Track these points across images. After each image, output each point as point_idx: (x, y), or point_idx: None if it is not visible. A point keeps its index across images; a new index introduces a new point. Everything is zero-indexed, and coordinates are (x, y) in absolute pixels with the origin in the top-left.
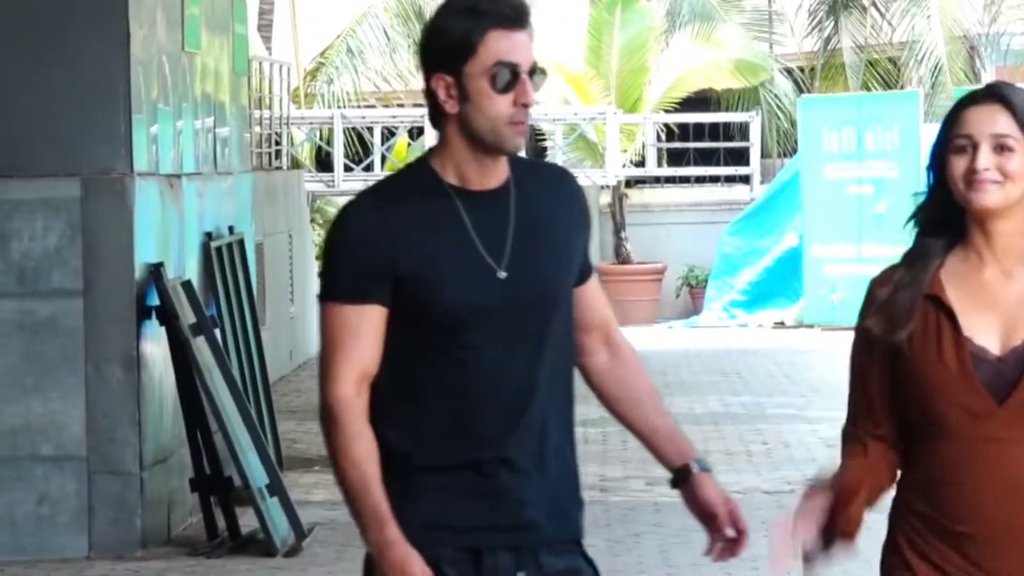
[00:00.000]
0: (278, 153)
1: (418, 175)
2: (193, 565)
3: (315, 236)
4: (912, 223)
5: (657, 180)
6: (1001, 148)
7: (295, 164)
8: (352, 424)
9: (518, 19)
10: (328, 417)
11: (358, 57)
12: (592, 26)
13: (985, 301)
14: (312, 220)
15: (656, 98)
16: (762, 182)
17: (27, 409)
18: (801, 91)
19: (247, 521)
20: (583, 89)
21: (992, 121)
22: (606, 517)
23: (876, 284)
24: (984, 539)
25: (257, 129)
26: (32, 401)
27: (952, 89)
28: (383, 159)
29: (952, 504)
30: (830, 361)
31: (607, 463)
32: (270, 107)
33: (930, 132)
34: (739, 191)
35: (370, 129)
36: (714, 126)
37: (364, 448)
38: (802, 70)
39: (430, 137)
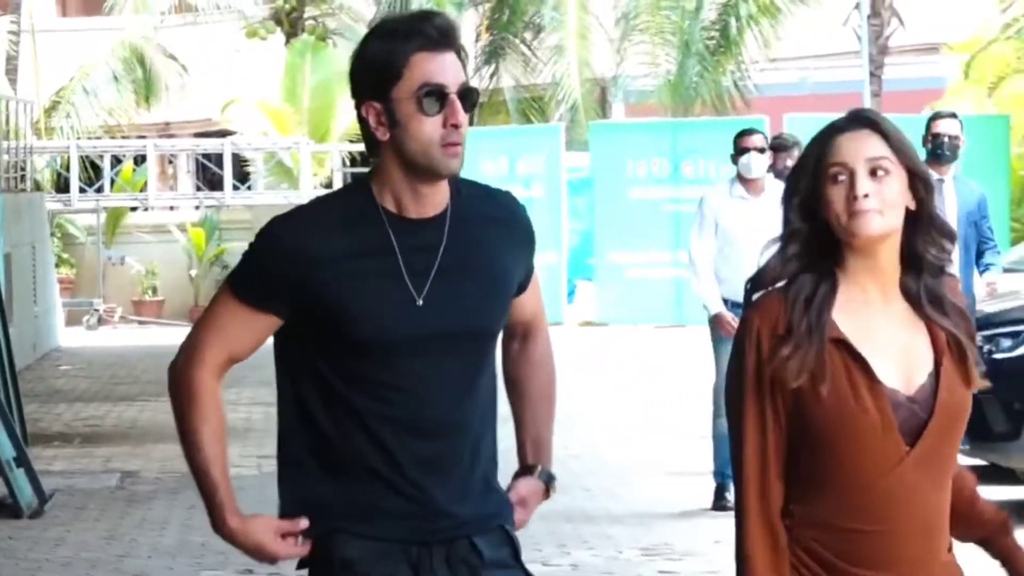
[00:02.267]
0: (23, 177)
1: (356, 198)
2: None
3: (55, 247)
4: (773, 259)
5: None
6: (875, 172)
7: (37, 187)
8: (206, 407)
9: (443, 40)
10: (184, 395)
11: (92, 95)
12: (288, 68)
13: (881, 338)
14: (52, 234)
15: (343, 130)
16: None
17: None
18: None
19: None
20: (281, 122)
21: (865, 145)
22: None
23: (761, 321)
24: None
25: (5, 157)
26: None
27: (587, 123)
28: (112, 182)
29: (857, 550)
30: None
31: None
32: (16, 138)
33: (570, 159)
34: None
35: (101, 157)
36: None
37: (211, 431)
38: None
39: (151, 163)
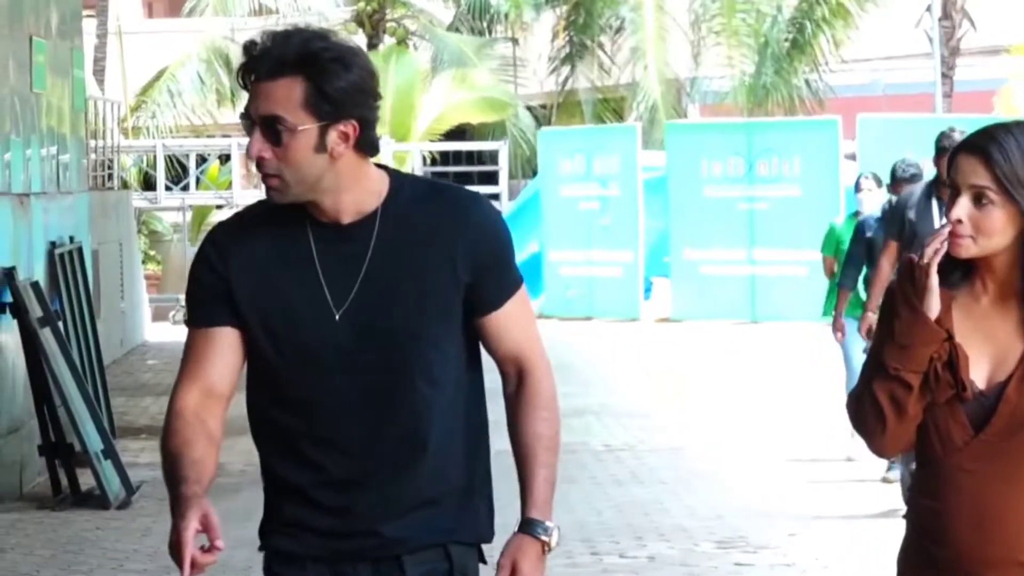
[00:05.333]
0: (110, 176)
1: (285, 205)
2: (41, 517)
3: (142, 244)
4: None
5: None
6: (979, 199)
7: (124, 185)
8: (179, 434)
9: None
10: (166, 423)
11: (176, 95)
12: None
13: (982, 333)
14: (139, 231)
15: (422, 130)
16: (510, 199)
17: None
18: (540, 124)
19: (86, 480)
20: None
21: (971, 172)
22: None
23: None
24: (949, 565)
25: (93, 156)
26: None
27: (664, 123)
28: (198, 180)
29: (928, 525)
30: (566, 345)
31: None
32: (103, 137)
33: (646, 158)
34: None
35: (186, 156)
36: (469, 153)
37: (187, 456)
38: (542, 107)
39: (235, 162)
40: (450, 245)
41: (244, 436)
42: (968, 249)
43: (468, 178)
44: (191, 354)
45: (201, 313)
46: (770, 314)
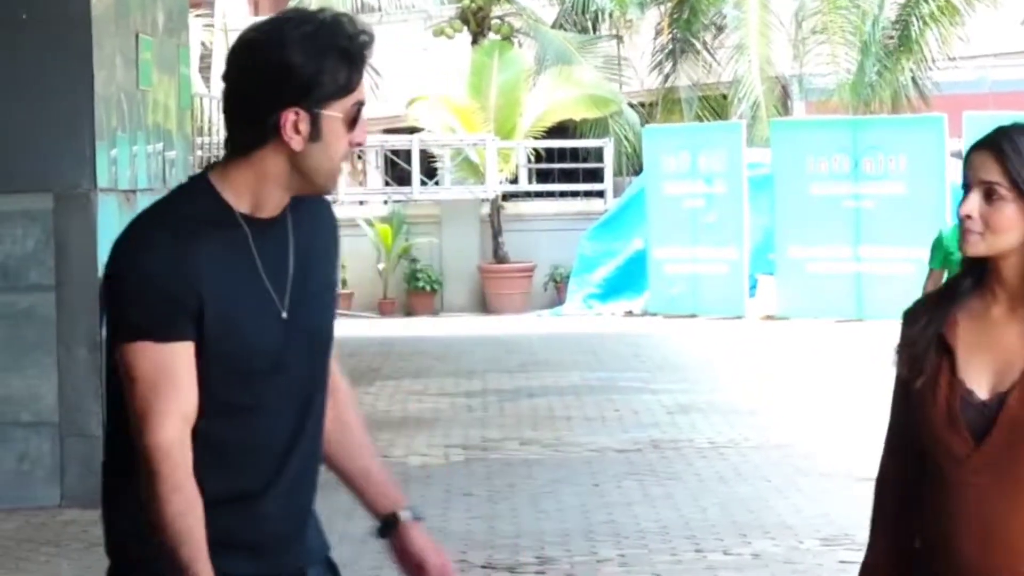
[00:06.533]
0: None
1: (203, 201)
2: None
3: None
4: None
5: (528, 194)
6: (990, 194)
7: None
8: (171, 475)
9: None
10: (146, 467)
11: None
12: (475, 67)
13: (987, 341)
14: None
15: (527, 127)
16: (614, 196)
17: (8, 384)
18: (644, 122)
19: None
20: (467, 119)
21: (983, 167)
22: (486, 472)
23: (906, 320)
24: None
25: (199, 152)
26: (13, 377)
27: (767, 120)
28: None
29: (931, 544)
30: (671, 342)
31: (487, 427)
32: (209, 134)
33: (751, 155)
34: (595, 203)
35: None
36: (574, 150)
37: (182, 501)
38: (643, 104)
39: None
40: (333, 245)
41: None
42: (976, 246)
43: (572, 175)
44: (160, 373)
45: (163, 324)
46: (876, 312)
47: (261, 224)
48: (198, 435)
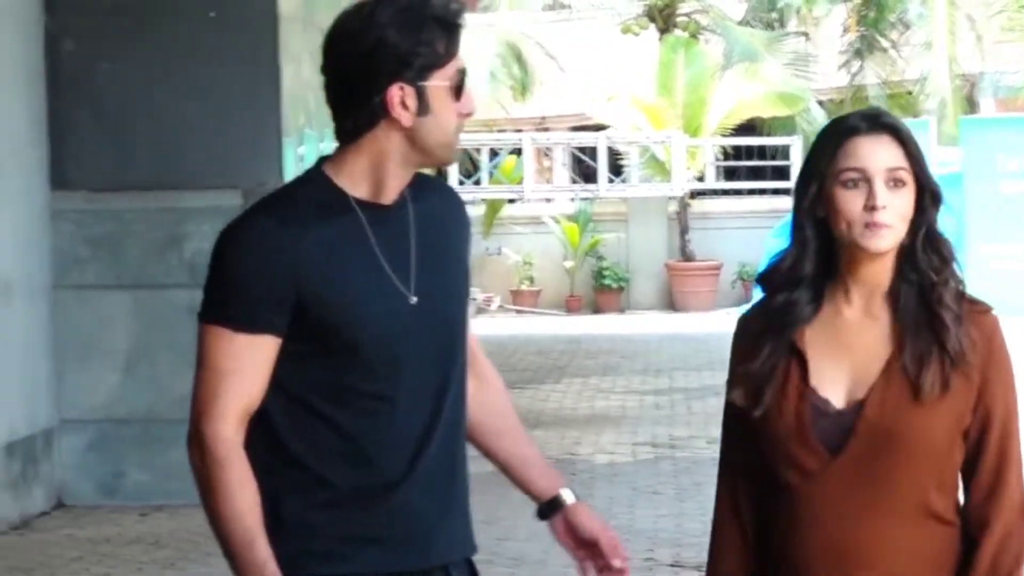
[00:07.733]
0: None
1: (316, 188)
2: None
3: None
4: (785, 261)
5: (715, 192)
6: (893, 183)
7: None
8: (235, 468)
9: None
10: (207, 459)
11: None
12: (662, 65)
13: (841, 345)
14: None
15: (714, 124)
16: None
17: (188, 382)
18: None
19: None
20: (655, 117)
21: (886, 153)
22: (674, 469)
23: (742, 343)
24: None
25: None
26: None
27: (956, 118)
28: (490, 174)
29: (780, 563)
30: None
31: (674, 425)
32: None
33: (941, 154)
34: (782, 201)
35: (478, 150)
36: (761, 148)
37: (249, 497)
38: (832, 101)
39: (528, 156)
40: (463, 231)
41: (538, 429)
42: (890, 239)
43: (760, 173)
44: (233, 362)
45: (251, 314)
46: None
47: (377, 210)
48: (328, 426)
